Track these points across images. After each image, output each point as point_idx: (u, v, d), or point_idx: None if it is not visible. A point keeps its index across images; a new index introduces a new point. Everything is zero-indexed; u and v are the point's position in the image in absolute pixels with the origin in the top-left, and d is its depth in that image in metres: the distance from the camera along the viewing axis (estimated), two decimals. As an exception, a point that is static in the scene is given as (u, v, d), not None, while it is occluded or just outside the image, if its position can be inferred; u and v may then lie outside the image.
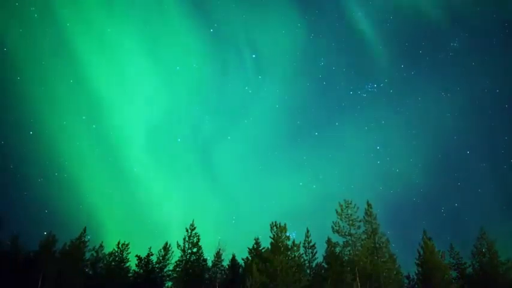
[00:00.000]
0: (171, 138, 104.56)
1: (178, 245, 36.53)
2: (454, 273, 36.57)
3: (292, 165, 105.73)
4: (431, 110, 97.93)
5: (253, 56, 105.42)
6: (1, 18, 79.83)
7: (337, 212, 34.37)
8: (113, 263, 37.40)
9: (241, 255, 38.45)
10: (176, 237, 37.53)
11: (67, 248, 35.95)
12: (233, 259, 39.38)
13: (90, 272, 36.95)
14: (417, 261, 35.67)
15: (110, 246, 39.49)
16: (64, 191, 78.70)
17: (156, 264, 38.26)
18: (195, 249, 36.83)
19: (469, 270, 36.62)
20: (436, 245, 34.86)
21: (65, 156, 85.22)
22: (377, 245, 33.03)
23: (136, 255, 38.24)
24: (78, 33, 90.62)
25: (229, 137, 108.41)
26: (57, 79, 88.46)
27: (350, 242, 33.08)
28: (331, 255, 33.84)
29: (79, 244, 36.42)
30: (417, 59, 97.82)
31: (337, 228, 33.75)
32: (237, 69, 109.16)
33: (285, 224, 33.14)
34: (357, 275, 31.16)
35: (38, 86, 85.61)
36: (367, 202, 35.31)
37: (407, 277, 37.41)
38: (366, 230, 33.75)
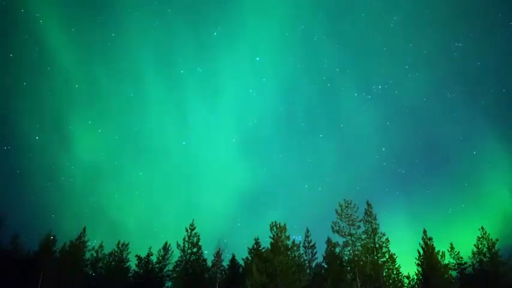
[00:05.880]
0: (175, 140, 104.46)
1: (178, 245, 36.53)
2: (454, 273, 36.55)
3: (297, 167, 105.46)
4: (437, 110, 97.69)
5: (257, 58, 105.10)
6: (6, 24, 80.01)
7: (337, 212, 34.36)
8: (113, 263, 37.43)
9: (242, 256, 38.51)
10: (176, 237, 37.33)
11: (67, 248, 35.94)
12: (233, 259, 39.40)
13: (90, 272, 36.99)
14: (417, 261, 35.67)
15: (110, 246, 39.61)
16: (70, 195, 79.04)
17: (156, 264, 38.29)
18: (195, 249, 36.80)
19: (469, 270, 36.62)
20: (438, 245, 34.93)
21: (71, 161, 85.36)
22: (377, 245, 33.03)
23: (137, 255, 38.31)
24: (83, 38, 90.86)
25: (233, 140, 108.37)
26: (62, 84, 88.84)
27: (350, 242, 33.07)
28: (331, 255, 33.83)
29: (79, 244, 36.45)
30: (422, 59, 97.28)
31: (337, 228, 33.72)
32: (240, 72, 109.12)
33: (284, 224, 33.02)
34: (357, 274, 31.16)
35: (43, 92, 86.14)
36: (367, 202, 35.37)
37: (407, 277, 37.44)
38: (365, 230, 33.77)
